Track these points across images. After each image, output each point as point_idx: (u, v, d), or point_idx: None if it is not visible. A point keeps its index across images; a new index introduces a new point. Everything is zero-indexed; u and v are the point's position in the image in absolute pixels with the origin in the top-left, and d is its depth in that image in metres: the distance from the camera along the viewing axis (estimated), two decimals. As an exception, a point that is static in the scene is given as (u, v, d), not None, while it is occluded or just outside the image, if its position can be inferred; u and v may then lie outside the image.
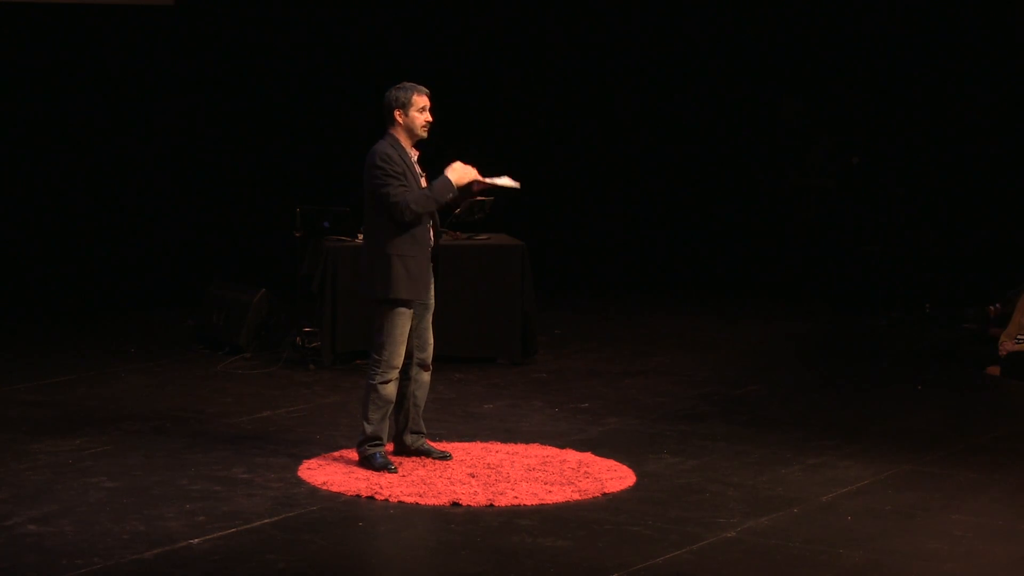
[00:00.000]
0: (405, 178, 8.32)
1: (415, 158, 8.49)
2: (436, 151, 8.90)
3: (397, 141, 8.42)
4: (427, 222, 8.48)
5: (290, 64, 15.14)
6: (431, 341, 8.67)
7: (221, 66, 14.81)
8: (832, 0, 15.55)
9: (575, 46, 16.27)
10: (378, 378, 8.42)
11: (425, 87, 8.48)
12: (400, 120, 8.41)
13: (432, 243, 8.54)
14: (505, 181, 8.59)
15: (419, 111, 8.41)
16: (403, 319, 8.41)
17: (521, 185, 8.61)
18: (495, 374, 11.18)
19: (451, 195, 8.39)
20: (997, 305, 11.92)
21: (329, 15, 15.29)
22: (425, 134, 8.47)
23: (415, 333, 8.54)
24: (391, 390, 8.46)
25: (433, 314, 8.68)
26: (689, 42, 16.07)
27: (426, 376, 8.68)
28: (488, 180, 8.55)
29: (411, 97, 8.40)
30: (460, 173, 8.38)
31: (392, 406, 8.51)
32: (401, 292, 8.37)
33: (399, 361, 8.45)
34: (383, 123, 8.48)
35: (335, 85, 15.28)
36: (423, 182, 8.45)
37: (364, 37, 15.42)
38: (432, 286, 8.61)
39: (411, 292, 8.40)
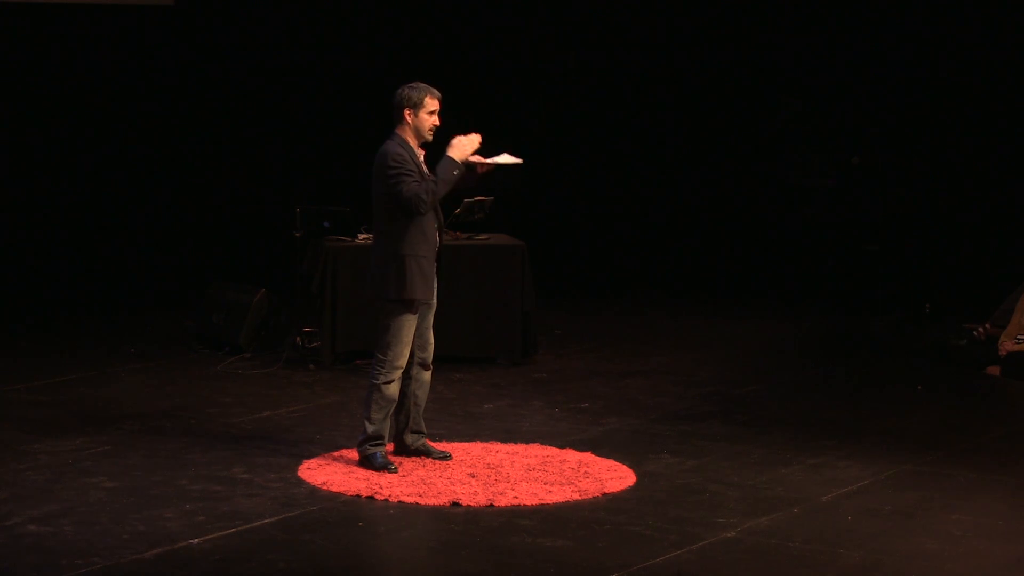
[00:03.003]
0: (417, 174, 8.31)
1: (421, 157, 8.48)
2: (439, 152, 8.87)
3: (405, 140, 8.38)
4: (434, 222, 8.48)
5: (290, 64, 15.15)
6: (432, 341, 8.66)
7: (221, 66, 14.81)
8: (832, 0, 15.55)
9: (575, 46, 16.27)
10: (382, 378, 8.41)
11: (438, 91, 8.44)
12: (409, 119, 8.37)
13: (439, 243, 8.55)
14: (505, 158, 8.56)
15: (429, 113, 8.37)
16: (411, 319, 8.41)
17: (522, 161, 8.57)
18: (495, 374, 11.17)
19: (456, 172, 8.31)
20: (987, 325, 11.91)
21: (329, 15, 15.30)
22: (431, 137, 8.42)
23: (417, 332, 8.54)
24: (394, 390, 8.46)
25: (435, 314, 8.67)
26: (689, 42, 16.07)
27: (427, 375, 8.67)
28: (490, 160, 8.51)
29: (423, 98, 8.36)
30: (460, 148, 8.31)
31: (394, 406, 8.51)
32: (416, 293, 8.36)
33: (403, 361, 8.44)
34: (388, 122, 8.45)
35: (335, 85, 15.28)
36: (429, 183, 8.45)
37: (364, 37, 15.43)
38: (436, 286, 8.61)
39: (424, 293, 8.40)
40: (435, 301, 8.60)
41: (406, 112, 8.37)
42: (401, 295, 8.35)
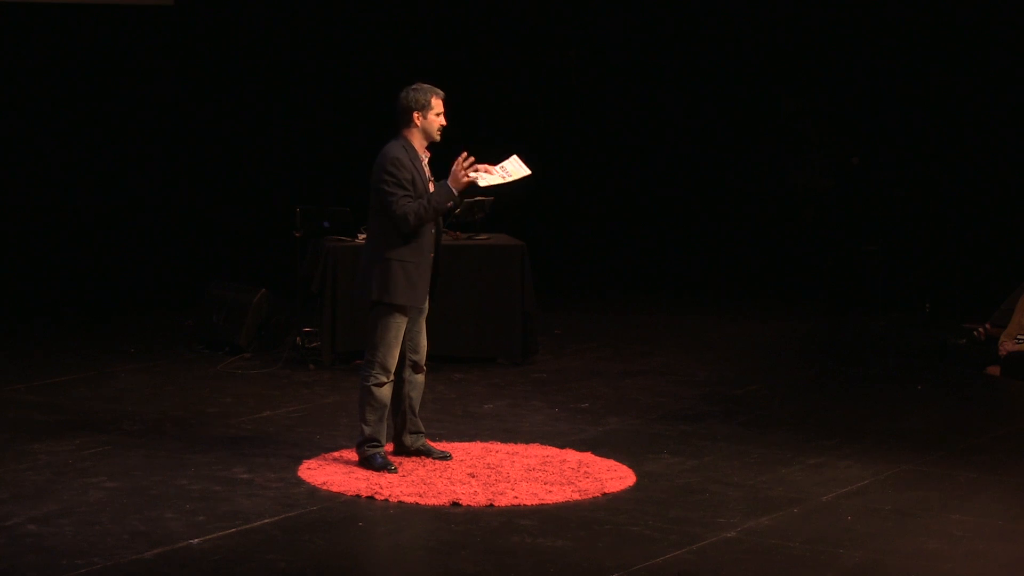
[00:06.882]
0: (413, 186, 8.27)
1: (426, 160, 8.44)
2: (442, 153, 8.84)
3: (410, 144, 8.35)
4: (431, 227, 8.44)
5: (290, 64, 15.14)
6: (424, 344, 8.61)
7: (221, 66, 14.81)
8: (832, 0, 15.55)
9: (575, 45, 16.27)
10: (371, 380, 8.40)
11: (441, 90, 8.41)
12: (418, 122, 8.34)
13: (435, 247, 8.50)
14: (513, 165, 8.49)
15: (436, 115, 8.34)
16: (397, 323, 8.37)
17: (531, 172, 8.52)
18: (495, 374, 11.17)
19: (451, 203, 8.32)
20: (987, 326, 11.91)
21: (329, 15, 15.29)
22: (439, 138, 8.40)
23: (408, 336, 8.51)
24: (385, 392, 8.44)
25: (435, 314, 8.64)
26: (689, 42, 16.07)
27: (419, 378, 8.64)
28: (495, 183, 8.45)
29: (429, 99, 8.33)
30: (457, 180, 8.25)
31: (387, 408, 8.49)
32: (399, 297, 8.32)
33: (392, 364, 8.42)
34: (388, 122, 8.43)
35: (335, 85, 15.28)
36: (431, 186, 8.40)
37: (364, 37, 15.43)
38: (429, 290, 8.54)
39: (409, 298, 8.35)
40: (426, 305, 8.56)
41: (415, 115, 8.33)
42: (383, 298, 8.32)
